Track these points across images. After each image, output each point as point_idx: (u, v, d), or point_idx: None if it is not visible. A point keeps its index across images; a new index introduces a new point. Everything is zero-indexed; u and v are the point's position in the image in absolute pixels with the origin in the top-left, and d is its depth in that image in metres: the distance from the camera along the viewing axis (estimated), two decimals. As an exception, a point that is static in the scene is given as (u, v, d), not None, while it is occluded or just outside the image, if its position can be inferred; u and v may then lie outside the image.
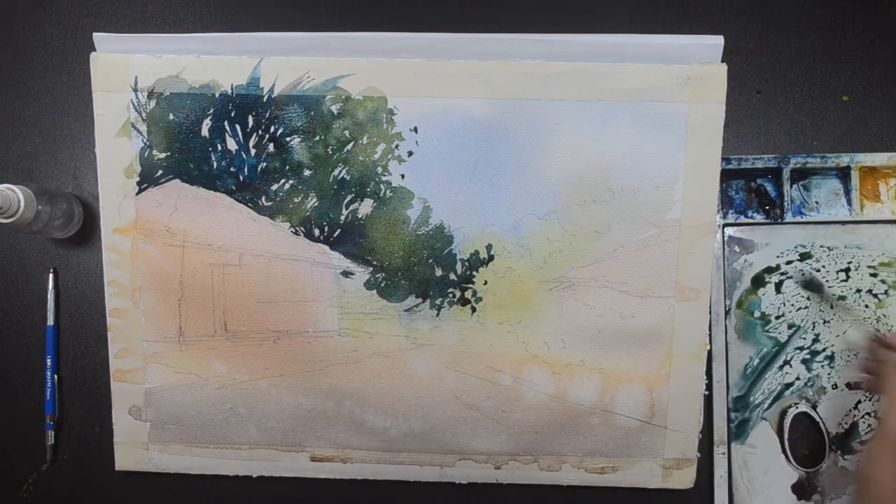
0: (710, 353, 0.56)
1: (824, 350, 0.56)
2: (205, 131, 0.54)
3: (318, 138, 0.54)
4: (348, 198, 0.55)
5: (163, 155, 0.54)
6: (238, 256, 0.55)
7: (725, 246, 0.56)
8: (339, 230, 0.55)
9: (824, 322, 0.56)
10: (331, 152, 0.54)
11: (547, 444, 0.56)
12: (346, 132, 0.54)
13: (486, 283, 0.55)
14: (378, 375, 0.56)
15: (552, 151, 0.53)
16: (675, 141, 0.53)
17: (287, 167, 0.54)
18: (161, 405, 0.57)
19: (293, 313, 0.55)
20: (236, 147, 0.54)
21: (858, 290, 0.56)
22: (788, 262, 0.56)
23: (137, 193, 0.55)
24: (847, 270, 0.56)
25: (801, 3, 0.57)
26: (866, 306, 0.56)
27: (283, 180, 0.55)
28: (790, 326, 0.56)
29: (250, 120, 0.54)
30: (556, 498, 0.58)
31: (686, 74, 0.52)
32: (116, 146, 0.54)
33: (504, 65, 0.53)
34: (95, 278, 0.58)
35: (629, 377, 0.55)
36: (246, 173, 0.55)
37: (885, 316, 0.56)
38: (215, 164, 0.55)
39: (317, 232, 0.55)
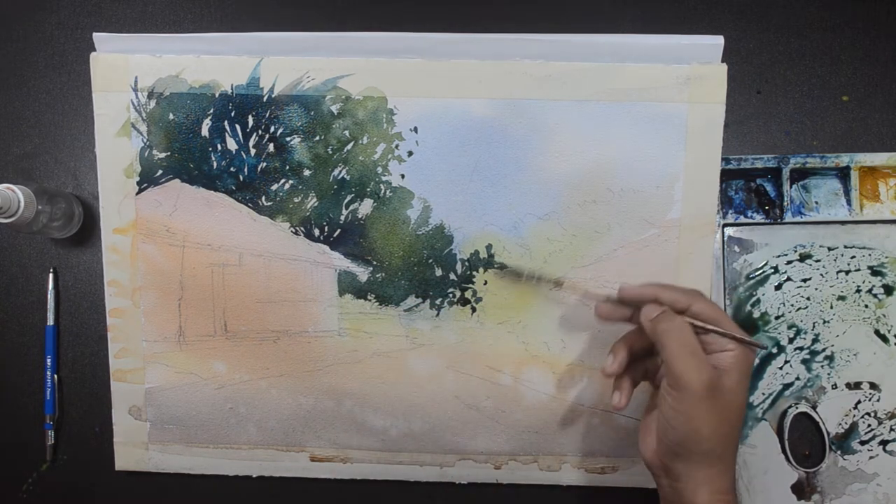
0: (710, 353, 0.56)
1: (824, 350, 0.56)
2: (205, 131, 0.54)
3: (318, 138, 0.54)
4: (348, 198, 0.55)
5: (163, 155, 0.54)
6: (238, 256, 0.55)
7: (725, 246, 0.56)
8: (339, 230, 0.55)
9: (824, 322, 0.56)
10: (331, 152, 0.54)
11: (547, 444, 0.56)
12: (346, 132, 0.54)
13: (486, 283, 0.55)
14: (378, 375, 0.56)
15: (552, 151, 0.53)
16: (675, 141, 0.53)
17: (287, 167, 0.54)
18: (161, 405, 0.57)
19: (293, 313, 0.55)
20: (236, 147, 0.54)
21: (858, 290, 0.56)
22: (789, 263, 0.56)
23: (137, 193, 0.55)
24: (847, 270, 0.56)
25: (801, 3, 0.57)
26: (866, 306, 0.56)
27: (283, 180, 0.55)
28: (790, 326, 0.56)
29: (250, 120, 0.54)
30: (556, 498, 0.58)
31: (686, 74, 0.52)
32: (116, 146, 0.54)
33: (504, 65, 0.53)
34: (95, 278, 0.58)
35: (629, 377, 0.55)
36: (246, 173, 0.55)
37: (884, 316, 0.56)
38: (215, 164, 0.55)
39: (317, 232, 0.55)
